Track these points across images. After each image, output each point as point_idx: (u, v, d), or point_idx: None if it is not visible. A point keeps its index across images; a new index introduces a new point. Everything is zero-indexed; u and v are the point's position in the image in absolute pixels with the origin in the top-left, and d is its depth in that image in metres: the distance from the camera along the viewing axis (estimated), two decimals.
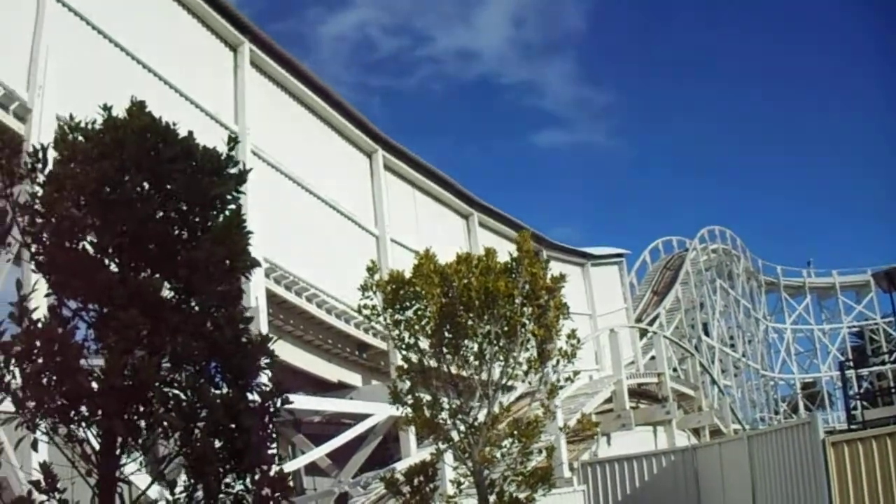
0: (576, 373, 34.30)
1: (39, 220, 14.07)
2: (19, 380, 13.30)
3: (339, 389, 50.30)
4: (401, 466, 38.12)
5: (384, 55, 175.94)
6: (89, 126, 14.59)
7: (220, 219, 14.32)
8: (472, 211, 64.93)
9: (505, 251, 33.09)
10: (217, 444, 13.54)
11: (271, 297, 42.48)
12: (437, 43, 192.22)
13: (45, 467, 13.01)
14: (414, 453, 45.32)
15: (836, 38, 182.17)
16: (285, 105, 48.82)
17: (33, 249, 14.16)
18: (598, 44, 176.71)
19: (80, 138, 14.48)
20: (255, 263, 14.63)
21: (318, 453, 44.62)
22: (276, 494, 13.84)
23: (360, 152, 54.36)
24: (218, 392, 13.76)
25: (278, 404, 14.27)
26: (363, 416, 45.62)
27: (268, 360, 14.36)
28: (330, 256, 47.85)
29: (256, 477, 13.89)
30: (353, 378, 51.43)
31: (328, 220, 49.37)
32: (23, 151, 15.00)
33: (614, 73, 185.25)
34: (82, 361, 13.25)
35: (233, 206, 14.47)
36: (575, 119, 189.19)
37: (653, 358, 71.28)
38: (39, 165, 14.23)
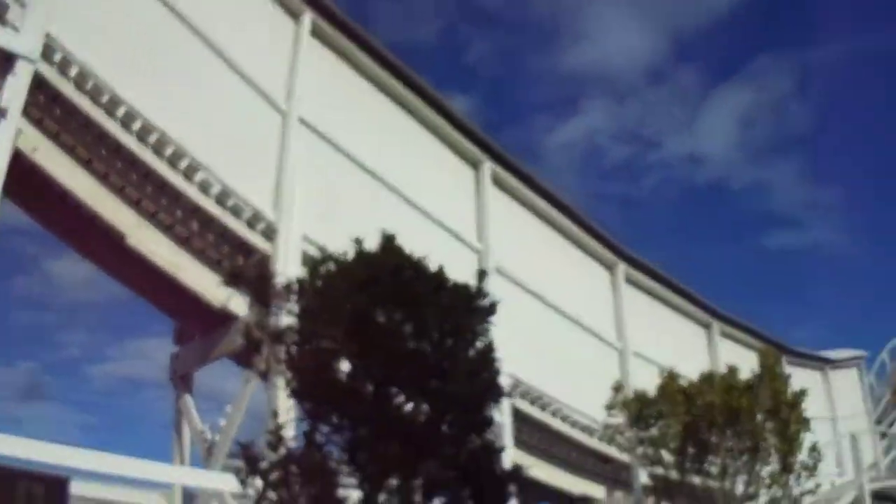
0: (818, 485, 33.82)
1: (294, 350, 14.60)
2: None
3: (584, 502, 49.90)
4: None
5: (614, 162, 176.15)
6: (340, 257, 15.13)
7: (472, 349, 14.66)
8: (712, 320, 64.36)
9: (746, 360, 33.05)
10: None
11: (515, 412, 42.63)
12: (666, 148, 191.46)
13: None
14: None
15: None
16: (527, 221, 49.65)
17: (288, 377, 14.69)
18: (828, 142, 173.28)
19: (332, 267, 15.02)
20: (503, 394, 14.82)
21: None
22: None
23: (601, 265, 54.80)
24: None
25: None
26: None
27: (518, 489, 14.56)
28: (572, 370, 47.93)
29: None
30: (597, 490, 50.97)
31: (571, 334, 49.71)
32: (271, 277, 15.58)
33: (845, 170, 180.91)
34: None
35: (484, 338, 14.78)
36: (805, 219, 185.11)
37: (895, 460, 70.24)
38: (294, 297, 14.81)
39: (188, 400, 38.28)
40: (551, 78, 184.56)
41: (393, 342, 14.00)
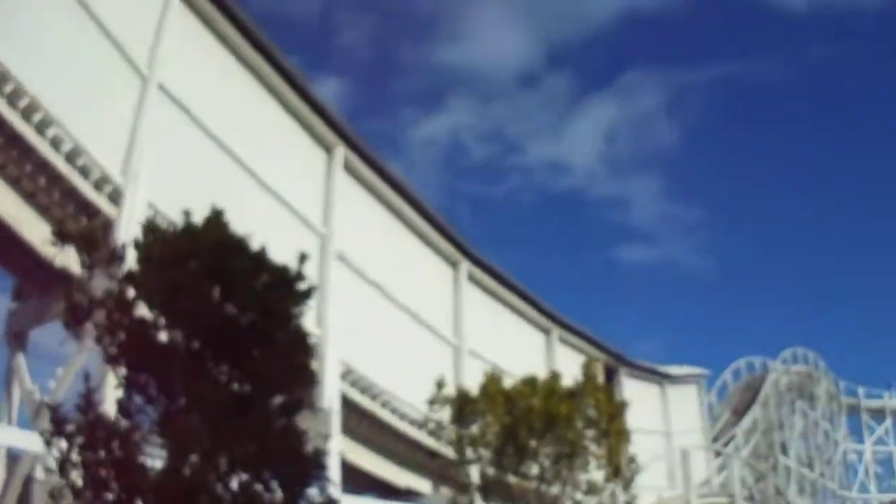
0: (634, 497, 34.74)
1: (115, 316, 14.73)
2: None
3: (408, 495, 50.20)
4: None
5: (475, 162, 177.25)
6: (171, 228, 15.34)
7: (287, 331, 14.99)
8: (552, 326, 65.47)
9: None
10: None
11: (346, 400, 42.84)
12: (529, 153, 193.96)
13: None
14: None
15: None
16: (374, 211, 49.83)
17: (107, 342, 14.81)
18: (690, 161, 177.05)
19: (160, 236, 15.23)
20: (315, 380, 15.25)
21: None
22: None
23: (445, 262, 55.41)
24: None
25: None
26: None
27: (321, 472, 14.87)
28: (407, 363, 48.21)
29: None
30: (423, 485, 51.29)
31: (408, 327, 50.14)
32: (103, 240, 15.77)
33: (704, 191, 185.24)
34: (146, 459, 13.88)
35: (299, 322, 15.12)
36: (661, 236, 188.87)
37: None
38: (119, 263, 14.97)
39: (21, 359, 37.67)
40: (422, 71, 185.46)
41: (208, 318, 14.23)
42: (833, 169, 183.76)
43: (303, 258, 15.98)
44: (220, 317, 14.37)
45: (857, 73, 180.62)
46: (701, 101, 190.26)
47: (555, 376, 33.92)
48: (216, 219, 15.27)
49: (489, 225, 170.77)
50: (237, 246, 15.09)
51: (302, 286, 15.53)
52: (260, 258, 15.31)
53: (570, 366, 47.04)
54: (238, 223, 16.96)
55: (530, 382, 32.88)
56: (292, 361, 14.74)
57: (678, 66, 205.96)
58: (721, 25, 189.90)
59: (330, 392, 39.31)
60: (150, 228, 15.37)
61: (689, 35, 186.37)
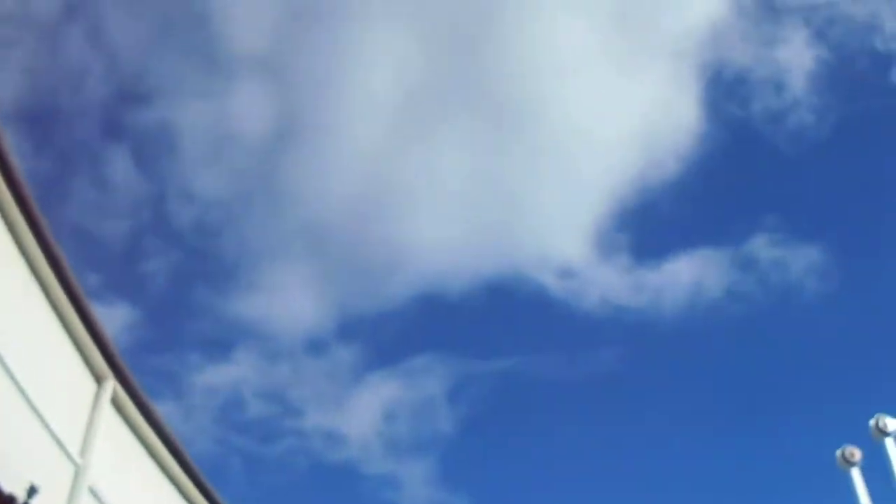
0: None
1: None
2: None
3: None
4: None
5: (253, 418, 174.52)
6: None
7: None
8: None
9: None
10: None
11: None
12: (307, 419, 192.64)
13: None
14: None
15: None
16: (137, 452, 47.60)
17: None
18: (464, 449, 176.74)
19: None
20: None
21: None
22: None
23: None
24: None
25: None
26: None
27: None
28: None
29: None
30: None
31: None
32: None
33: (473, 481, 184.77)
34: None
35: None
36: None
37: None
38: None
39: None
40: (215, 317, 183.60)
41: None
42: (609, 466, 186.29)
43: (32, 491, 15.01)
44: None
45: (646, 377, 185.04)
46: (483, 391, 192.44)
47: None
48: None
49: (261, 485, 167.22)
50: None
51: None
52: None
53: None
54: None
55: None
56: None
57: (466, 355, 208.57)
58: (513, 320, 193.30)
59: None
60: None
61: (482, 326, 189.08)
